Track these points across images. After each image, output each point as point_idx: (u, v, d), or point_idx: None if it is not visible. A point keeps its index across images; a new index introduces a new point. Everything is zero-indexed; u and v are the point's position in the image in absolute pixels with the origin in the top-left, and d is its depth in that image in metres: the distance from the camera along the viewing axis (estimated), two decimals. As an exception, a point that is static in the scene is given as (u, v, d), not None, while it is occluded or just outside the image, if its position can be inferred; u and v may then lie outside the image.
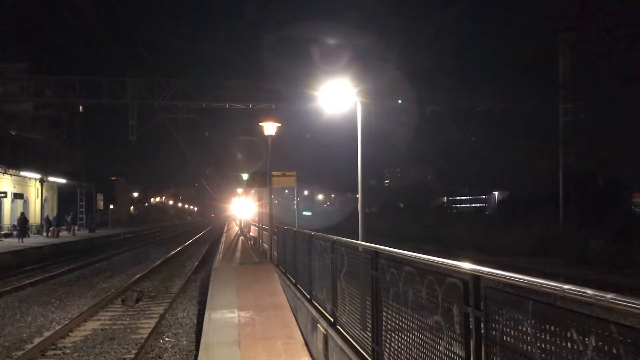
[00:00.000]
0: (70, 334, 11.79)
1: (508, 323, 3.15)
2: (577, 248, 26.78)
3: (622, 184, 39.40)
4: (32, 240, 34.74)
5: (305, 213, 56.68)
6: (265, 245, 23.01)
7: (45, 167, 47.46)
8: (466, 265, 3.71)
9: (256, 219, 33.09)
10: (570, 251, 26.75)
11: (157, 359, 9.98)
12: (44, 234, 41.11)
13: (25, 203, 45.34)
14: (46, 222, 41.96)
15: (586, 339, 2.49)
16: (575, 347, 2.56)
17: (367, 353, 5.87)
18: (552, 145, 32.81)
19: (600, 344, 2.41)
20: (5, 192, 40.38)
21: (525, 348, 2.97)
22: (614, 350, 2.32)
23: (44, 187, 46.37)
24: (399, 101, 32.70)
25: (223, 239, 42.96)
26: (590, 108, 32.21)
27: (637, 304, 2.25)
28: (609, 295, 2.36)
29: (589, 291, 2.49)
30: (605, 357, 2.38)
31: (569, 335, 2.61)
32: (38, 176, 44.56)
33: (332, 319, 7.77)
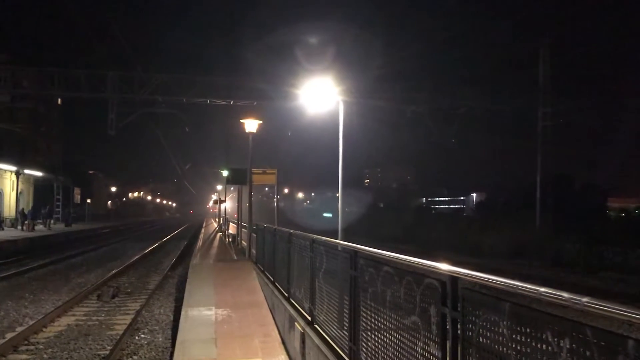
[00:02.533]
0: (44, 329, 11.62)
1: (484, 324, 3.17)
2: (553, 251, 27.17)
3: (598, 188, 40.07)
4: (6, 234, 34.19)
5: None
6: (244, 243, 22.94)
7: (21, 160, 46.77)
8: (444, 267, 3.73)
9: (235, 216, 32.98)
10: (546, 254, 27.13)
11: (133, 356, 9.88)
12: (19, 227, 40.51)
13: (0, 196, 44.61)
14: (21, 216, 41.34)
15: (561, 341, 2.52)
16: (550, 349, 2.59)
17: (344, 352, 5.88)
18: (531, 148, 33.18)
19: (574, 346, 2.43)
20: (-21, 184, 39.73)
21: (501, 349, 3.00)
22: (588, 353, 2.35)
23: (19, 179, 45.68)
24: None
25: (201, 235, 42.75)
26: (569, 112, 32.60)
27: (610, 308, 2.28)
28: (584, 299, 2.39)
29: (565, 294, 2.52)
30: (579, 359, 2.41)
31: (544, 337, 2.63)
32: (14, 169, 43.88)
33: (309, 318, 7.77)
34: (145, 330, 11.86)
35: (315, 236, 8.06)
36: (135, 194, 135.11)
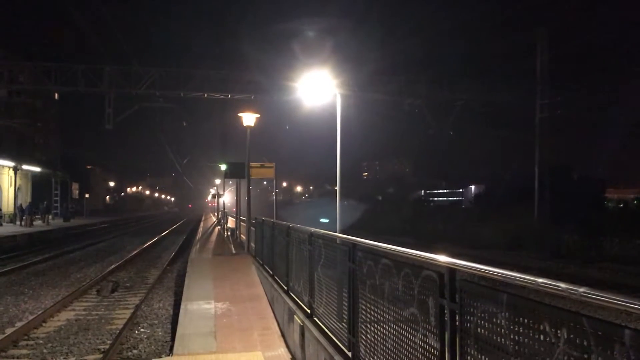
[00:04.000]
0: (43, 324, 11.64)
1: (482, 315, 3.18)
2: (551, 242, 27.20)
3: (596, 178, 40.11)
4: (5, 229, 34.18)
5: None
6: (243, 237, 22.95)
7: (19, 155, 46.66)
8: (442, 258, 3.74)
9: (234, 209, 32.98)
10: (544, 245, 27.16)
11: (133, 350, 9.90)
12: (17, 222, 40.49)
13: (-2, 191, 44.60)
14: (19, 211, 41.31)
15: (558, 331, 2.53)
16: (548, 339, 2.60)
17: (343, 345, 5.90)
18: (529, 139, 33.19)
19: (571, 336, 2.44)
20: (-23, 180, 39.66)
21: (499, 340, 3.01)
22: (585, 343, 2.36)
23: (17, 175, 45.62)
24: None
25: (200, 229, 42.76)
26: (567, 103, 32.60)
27: (607, 298, 2.29)
28: (581, 289, 2.40)
29: (562, 285, 2.53)
30: (577, 349, 2.42)
31: (541, 327, 2.64)
32: (12, 164, 43.79)
33: (308, 311, 7.79)
34: (145, 325, 11.88)
35: (313, 229, 8.07)
36: (134, 189, 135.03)
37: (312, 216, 49.38)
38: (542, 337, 2.65)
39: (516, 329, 2.85)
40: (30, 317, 11.98)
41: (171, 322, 11.89)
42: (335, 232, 10.46)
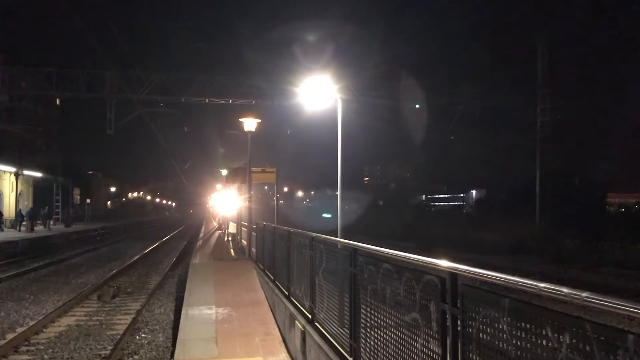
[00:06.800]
0: (44, 330, 11.63)
1: (484, 320, 3.17)
2: (553, 246, 27.17)
3: (597, 183, 40.06)
4: (6, 235, 34.15)
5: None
6: (244, 242, 22.92)
7: (20, 161, 46.62)
8: (443, 263, 3.73)
9: (235, 215, 32.94)
10: (546, 249, 27.13)
11: (133, 355, 9.89)
12: (18, 228, 40.46)
13: (0, 197, 44.56)
14: (19, 216, 41.29)
15: (561, 336, 2.51)
16: (550, 344, 2.59)
17: (344, 350, 5.88)
18: (530, 144, 33.17)
19: (574, 341, 2.43)
20: (-22, 186, 39.62)
21: (501, 345, 2.99)
22: (588, 348, 2.35)
23: (19, 180, 45.60)
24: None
25: (201, 235, 42.73)
26: (568, 108, 32.59)
27: (610, 303, 2.28)
28: (584, 294, 2.39)
29: (564, 289, 2.52)
30: (579, 354, 2.40)
31: (544, 332, 2.63)
32: (13, 169, 43.80)
33: (310, 316, 7.77)
34: (146, 330, 11.87)
35: (314, 234, 8.05)
36: (135, 194, 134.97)
37: (317, 218, 49.49)
38: (544, 342, 2.64)
39: (518, 334, 2.84)
40: (31, 323, 11.97)
41: (172, 327, 11.88)
42: (335, 233, 10.45)
